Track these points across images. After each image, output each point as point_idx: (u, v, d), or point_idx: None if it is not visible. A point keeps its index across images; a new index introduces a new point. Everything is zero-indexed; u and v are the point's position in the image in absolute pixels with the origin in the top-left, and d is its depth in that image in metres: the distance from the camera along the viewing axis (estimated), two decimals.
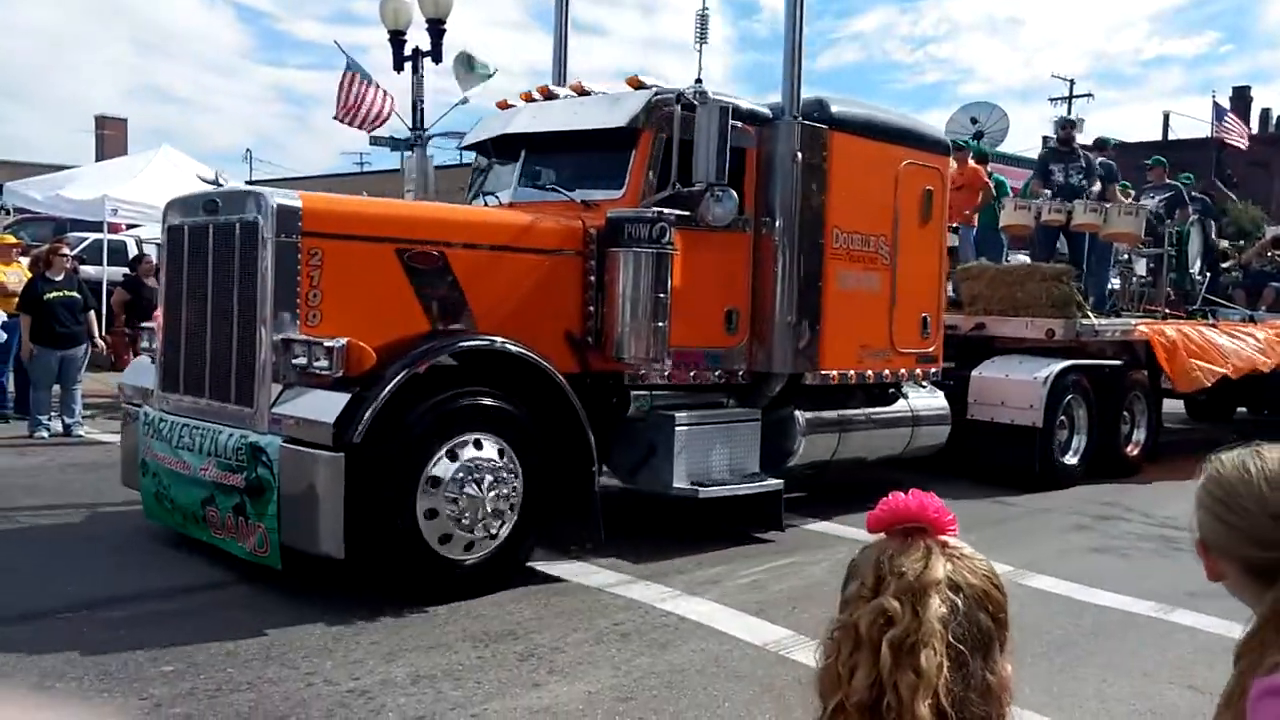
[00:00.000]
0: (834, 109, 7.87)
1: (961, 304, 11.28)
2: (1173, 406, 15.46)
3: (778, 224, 7.48)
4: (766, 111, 7.61)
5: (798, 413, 7.87)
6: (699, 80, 6.73)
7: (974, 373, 10.46)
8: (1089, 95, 44.64)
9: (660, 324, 6.64)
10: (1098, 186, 11.64)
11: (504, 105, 7.92)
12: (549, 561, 6.40)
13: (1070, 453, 10.63)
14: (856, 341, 8.08)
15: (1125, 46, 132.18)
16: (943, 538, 1.35)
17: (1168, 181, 14.00)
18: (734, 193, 6.72)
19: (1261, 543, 1.54)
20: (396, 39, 12.60)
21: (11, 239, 12.40)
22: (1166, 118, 44.27)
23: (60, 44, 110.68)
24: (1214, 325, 12.33)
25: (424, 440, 5.57)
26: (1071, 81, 43.83)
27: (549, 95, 7.53)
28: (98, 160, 32.48)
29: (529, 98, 7.73)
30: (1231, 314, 14.09)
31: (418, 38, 12.65)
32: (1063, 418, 10.54)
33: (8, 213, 20.10)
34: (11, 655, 4.68)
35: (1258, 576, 1.56)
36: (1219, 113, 25.84)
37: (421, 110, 13.02)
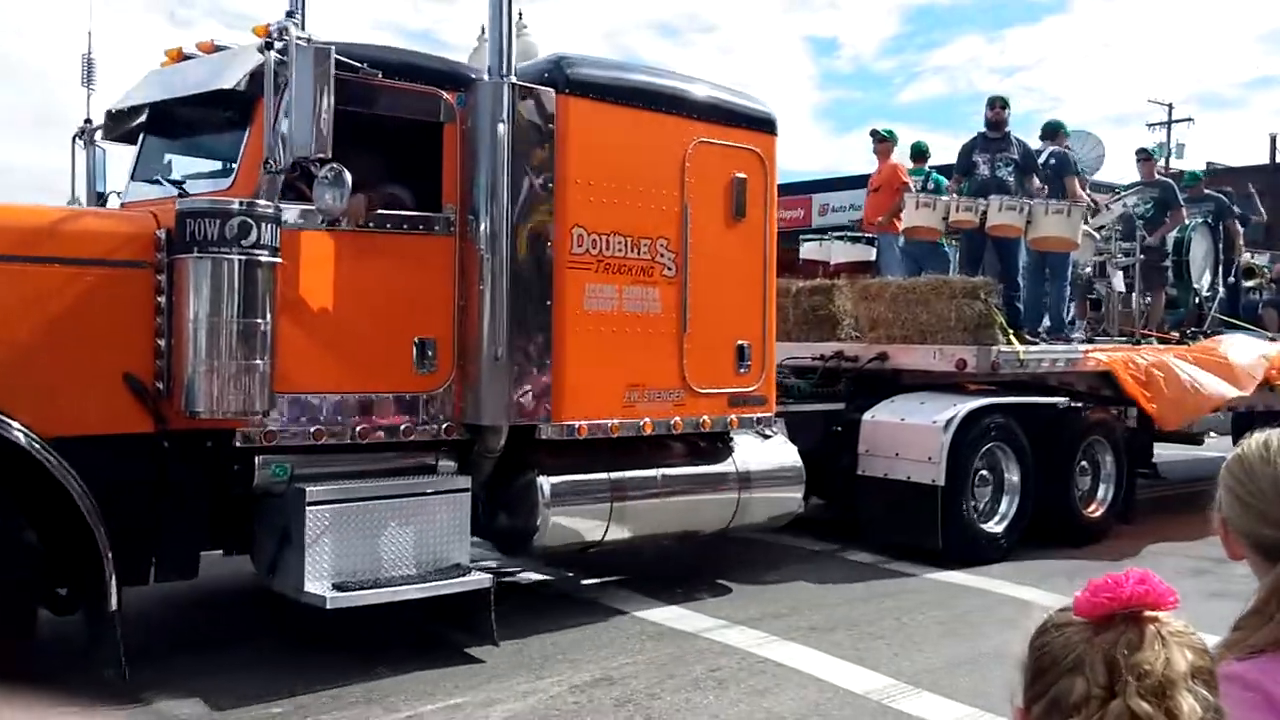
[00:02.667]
0: (574, 69, 5.86)
1: (862, 330, 9.12)
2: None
3: (482, 224, 5.48)
4: (467, 70, 5.66)
5: (542, 478, 5.83)
6: (290, 13, 4.78)
7: (865, 416, 8.27)
8: (1189, 119, 41.62)
9: (256, 361, 4.69)
10: (1036, 184, 9.34)
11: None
12: (641, 605, 6.40)
13: (995, 518, 8.32)
14: (622, 380, 6.00)
15: (1226, 68, 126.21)
16: (1156, 613, 1.20)
17: (1159, 177, 11.56)
18: (347, 174, 4.74)
19: (1274, 521, 1.56)
20: None
21: None
22: (1274, 140, 41.08)
23: None
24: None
25: None
26: (1170, 106, 41.03)
27: (182, 57, 5.66)
28: None
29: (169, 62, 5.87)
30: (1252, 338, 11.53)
31: None
32: (985, 472, 8.26)
33: None
34: (121, 693, 4.53)
35: (1266, 555, 1.59)
36: None
37: None
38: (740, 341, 6.57)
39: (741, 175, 6.54)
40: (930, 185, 10.65)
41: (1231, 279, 13.15)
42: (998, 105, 9.37)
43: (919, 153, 10.87)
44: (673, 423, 6.22)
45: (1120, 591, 1.20)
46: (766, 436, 7.20)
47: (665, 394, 6.17)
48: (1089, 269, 10.50)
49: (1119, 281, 10.66)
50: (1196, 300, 11.97)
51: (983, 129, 9.51)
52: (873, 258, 10.24)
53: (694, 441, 6.66)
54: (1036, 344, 9.22)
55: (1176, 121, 40.64)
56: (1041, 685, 1.21)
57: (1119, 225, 10.37)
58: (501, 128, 5.41)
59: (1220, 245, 12.27)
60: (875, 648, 5.78)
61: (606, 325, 5.91)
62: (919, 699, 5.05)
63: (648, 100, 6.11)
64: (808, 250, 10.94)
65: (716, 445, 6.76)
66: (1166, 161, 40.40)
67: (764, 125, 6.75)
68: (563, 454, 6.00)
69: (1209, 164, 9.63)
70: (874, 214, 10.29)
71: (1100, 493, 9.23)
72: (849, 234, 10.18)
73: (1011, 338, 8.34)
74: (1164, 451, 11.82)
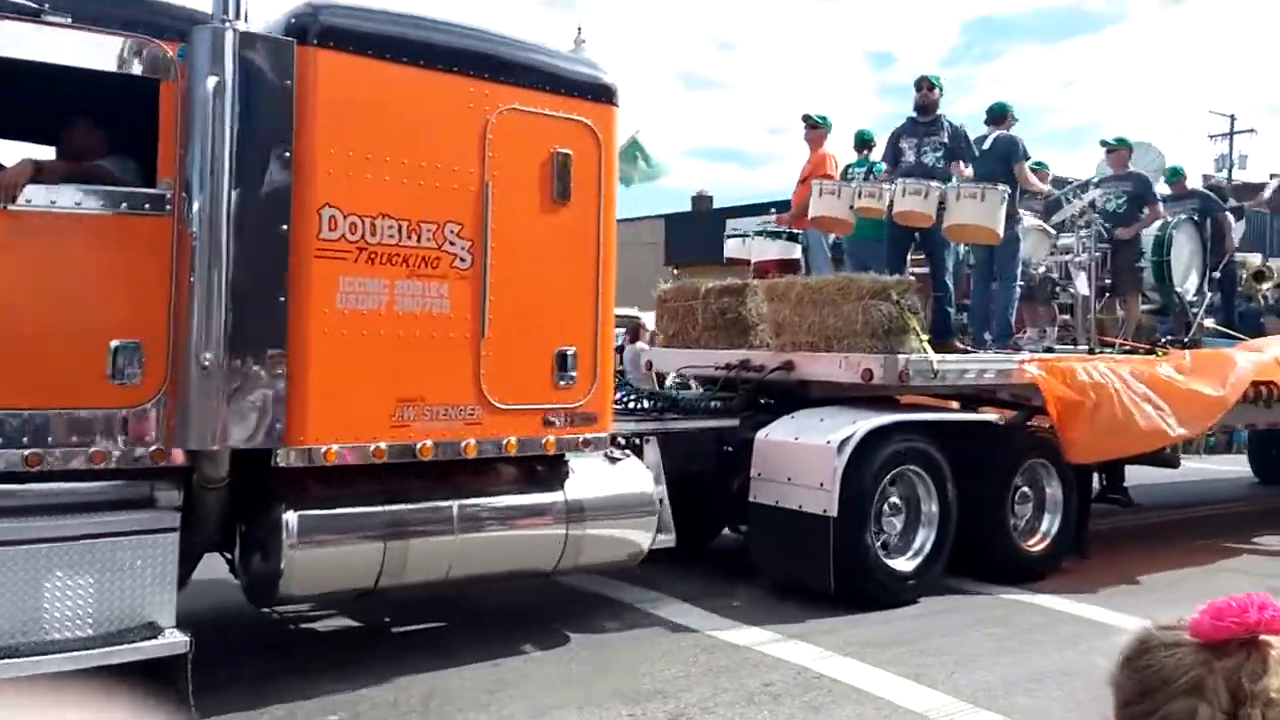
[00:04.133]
0: (326, 16, 4.83)
1: (770, 335, 8.02)
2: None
3: (195, 201, 4.47)
4: (191, 16, 4.65)
5: (289, 513, 4.80)
6: None
7: (759, 434, 7.17)
8: (1252, 130, 40.12)
9: None
10: (968, 171, 8.16)
11: None
12: (690, 616, 6.40)
13: (908, 553, 7.18)
14: (390, 394, 4.96)
15: None
16: (1272, 639, 1.17)
17: (1131, 170, 10.33)
18: None
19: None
20: None
21: None
22: None
23: None
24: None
25: None
26: (1232, 117, 39.60)
27: None
28: None
29: None
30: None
31: None
32: (896, 500, 7.14)
33: None
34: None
35: None
36: None
37: None
38: (562, 348, 5.51)
39: (565, 150, 5.48)
40: (872, 177, 9.50)
41: (1217, 274, 11.87)
42: (925, 86, 8.20)
43: (862, 141, 9.72)
44: (463, 445, 5.16)
45: (1247, 617, 1.17)
46: (615, 460, 6.15)
47: (454, 410, 5.13)
48: (1042, 269, 9.31)
49: (1082, 284, 9.46)
50: (1180, 306, 10.74)
51: (912, 113, 8.36)
52: (797, 255, 9.12)
53: (512, 467, 5.62)
54: (972, 351, 8.10)
55: (1239, 133, 39.61)
56: (1149, 704, 1.19)
57: (1083, 221, 9.16)
58: (213, 82, 4.39)
59: (1209, 245, 11.03)
60: (932, 665, 5.63)
61: (370, 327, 4.87)
62: (978, 718, 4.92)
63: (432, 57, 5.06)
64: (731, 248, 9.83)
65: (540, 471, 5.70)
66: (1229, 172, 38.96)
67: (597, 93, 5.68)
68: (332, 483, 4.98)
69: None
70: (799, 208, 9.17)
71: (1045, 524, 8.05)
72: (769, 229, 9.06)
73: (925, 344, 7.19)
74: (1143, 475, 10.63)
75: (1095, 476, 10.28)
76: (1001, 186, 7.70)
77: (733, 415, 7.47)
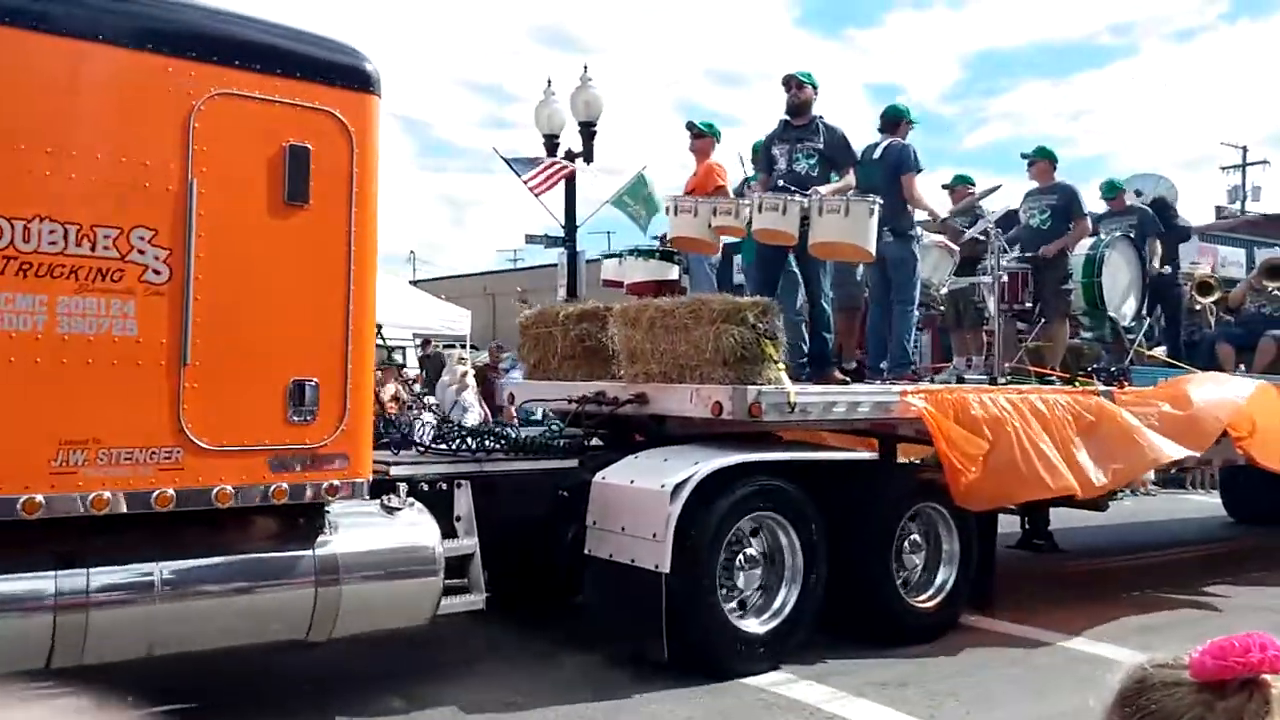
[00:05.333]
0: None
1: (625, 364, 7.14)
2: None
3: None
4: None
5: None
6: None
7: (596, 477, 6.28)
8: (1265, 162, 39.67)
9: None
10: (846, 182, 7.26)
11: None
12: None
13: (767, 613, 6.26)
14: (49, 434, 4.08)
15: None
16: (1270, 678, 1.16)
17: (1058, 181, 9.45)
18: None
19: None
20: (550, 142, 13.66)
21: None
22: None
23: None
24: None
25: None
26: (1244, 149, 39.21)
27: None
28: None
29: None
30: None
31: (570, 139, 13.51)
32: (753, 552, 6.23)
33: None
34: None
35: None
36: None
37: (574, 208, 13.84)
38: (299, 379, 4.62)
39: (302, 144, 4.63)
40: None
41: (1165, 315, 10.98)
42: (793, 85, 7.33)
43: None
44: (154, 496, 4.27)
45: (1250, 657, 1.17)
46: (393, 510, 5.25)
47: (143, 453, 4.24)
48: (944, 289, 8.43)
49: (992, 305, 8.58)
50: (1115, 333, 9.84)
51: (784, 115, 7.49)
52: (674, 276, 8.25)
53: (258, 518, 4.73)
54: (855, 382, 7.21)
55: (1252, 164, 39.12)
56: None
57: (997, 237, 8.27)
58: None
59: (1149, 267, 10.16)
60: (948, 705, 5.55)
61: (21, 353, 4.00)
62: None
63: (111, 30, 4.23)
64: (607, 269, 8.96)
65: (290, 524, 4.81)
66: (1242, 205, 38.37)
67: (349, 78, 4.83)
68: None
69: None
70: None
71: (939, 577, 7.12)
72: (641, 248, 8.19)
73: (782, 374, 6.29)
74: (1070, 517, 9.72)
75: (1019, 520, 9.39)
76: (871, 197, 6.83)
77: (573, 455, 6.57)
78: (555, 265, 14.79)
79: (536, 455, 6.50)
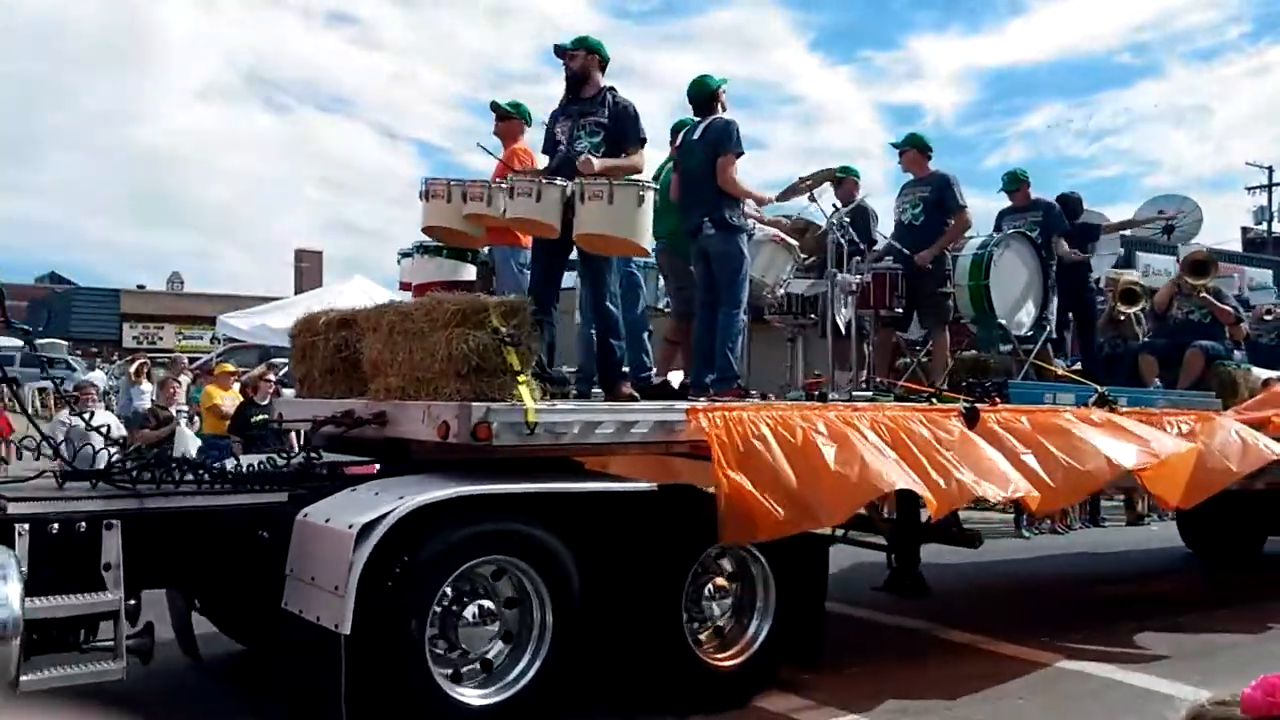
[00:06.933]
0: None
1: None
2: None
3: None
4: None
5: None
6: None
7: (300, 515, 5.17)
8: None
9: None
10: (627, 163, 6.13)
11: None
12: None
13: (502, 681, 5.12)
14: None
15: None
16: None
17: (932, 170, 8.33)
18: None
19: None
20: None
21: (230, 367, 13.09)
22: None
23: (261, 186, 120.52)
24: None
25: None
26: (1270, 169, 38.66)
27: None
28: (296, 290, 36.65)
29: None
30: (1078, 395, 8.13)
31: None
32: (490, 605, 5.11)
33: (218, 341, 23.15)
34: None
35: None
36: None
37: None
38: None
39: None
40: None
41: (1074, 324, 9.85)
42: (564, 55, 6.23)
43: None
44: None
45: None
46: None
47: None
48: (780, 291, 7.31)
49: (846, 313, 7.46)
50: (1010, 343, 8.70)
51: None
52: (469, 276, 7.14)
53: None
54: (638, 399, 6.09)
55: (1278, 184, 39.04)
56: None
57: (834, 229, 7.14)
58: None
59: (1050, 268, 9.04)
60: None
61: None
62: None
63: None
64: (402, 270, 7.87)
65: None
66: (1269, 225, 37.50)
67: None
68: None
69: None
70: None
71: (751, 628, 5.99)
72: (427, 245, 7.05)
73: (527, 388, 5.17)
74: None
75: (887, 558, 8.26)
76: (642, 181, 5.73)
77: (283, 488, 5.46)
78: None
79: (236, 488, 5.38)
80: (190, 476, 5.34)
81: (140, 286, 48.57)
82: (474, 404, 5.02)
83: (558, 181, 5.67)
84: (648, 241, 5.68)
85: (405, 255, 7.46)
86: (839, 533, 8.17)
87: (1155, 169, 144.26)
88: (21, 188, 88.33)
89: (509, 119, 7.36)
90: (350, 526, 4.72)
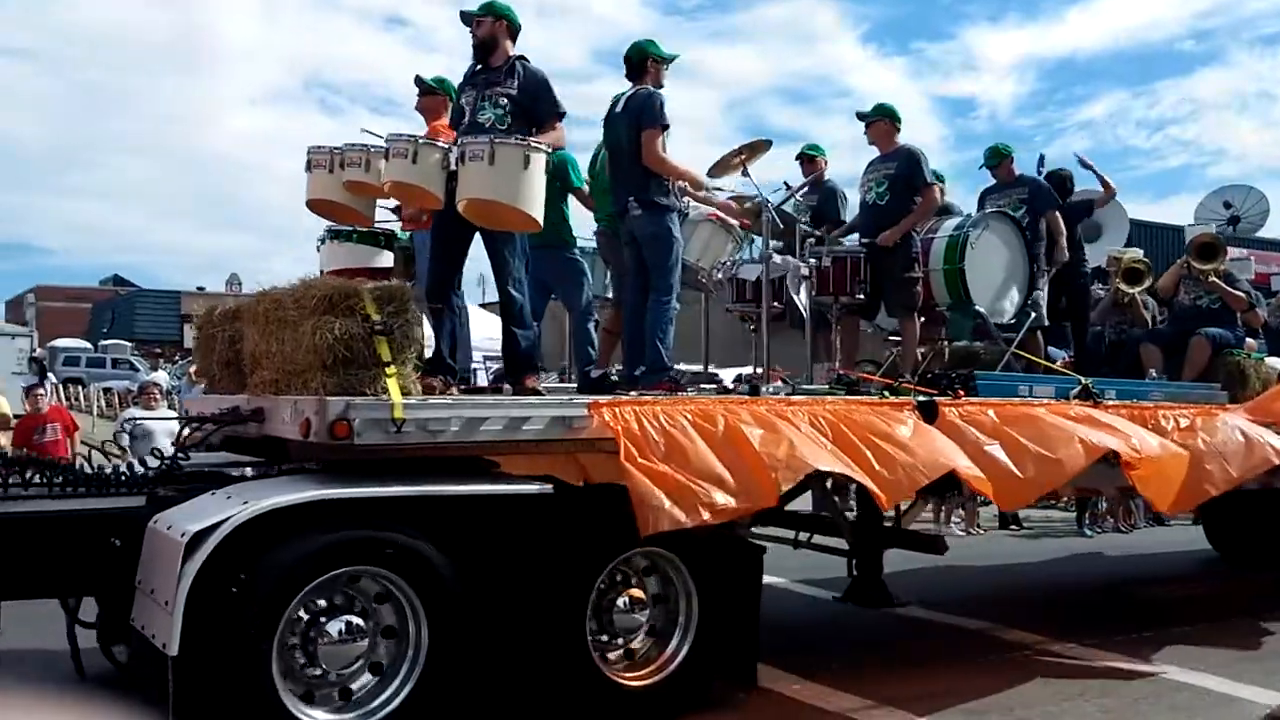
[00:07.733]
0: None
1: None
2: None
3: None
4: None
5: None
6: None
7: (151, 522, 4.70)
8: None
9: None
10: (554, 136, 5.58)
11: None
12: (772, 679, 5.84)
13: (367, 708, 4.60)
14: None
15: None
16: None
17: (899, 145, 7.68)
18: None
19: None
20: None
21: None
22: None
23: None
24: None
25: None
26: None
27: None
28: None
29: None
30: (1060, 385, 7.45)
31: None
32: (359, 621, 4.59)
33: None
34: None
35: None
36: None
37: None
38: None
39: None
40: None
41: (1069, 311, 9.13)
42: (471, 21, 5.69)
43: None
44: None
45: None
46: None
47: None
48: (718, 274, 6.72)
49: (802, 297, 6.86)
50: (989, 332, 8.05)
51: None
52: (386, 263, 6.64)
53: None
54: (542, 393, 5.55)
55: None
56: None
57: (766, 207, 6.53)
58: None
59: (1037, 250, 8.36)
60: None
61: None
62: None
63: None
64: (321, 256, 7.35)
65: None
66: None
67: None
68: None
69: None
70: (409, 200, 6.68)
71: (672, 644, 5.42)
72: (337, 229, 6.56)
73: (390, 382, 4.65)
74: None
75: (848, 566, 7.61)
76: (533, 140, 5.17)
77: (139, 491, 4.99)
78: None
79: (91, 492, 4.93)
80: (39, 480, 4.89)
81: (200, 288, 49.07)
82: (331, 399, 4.51)
83: (439, 143, 5.14)
84: (538, 212, 5.11)
85: (321, 241, 6.98)
86: (804, 537, 7.64)
87: (1220, 159, 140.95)
88: (86, 191, 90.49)
89: (432, 94, 6.86)
90: (183, 535, 4.23)
